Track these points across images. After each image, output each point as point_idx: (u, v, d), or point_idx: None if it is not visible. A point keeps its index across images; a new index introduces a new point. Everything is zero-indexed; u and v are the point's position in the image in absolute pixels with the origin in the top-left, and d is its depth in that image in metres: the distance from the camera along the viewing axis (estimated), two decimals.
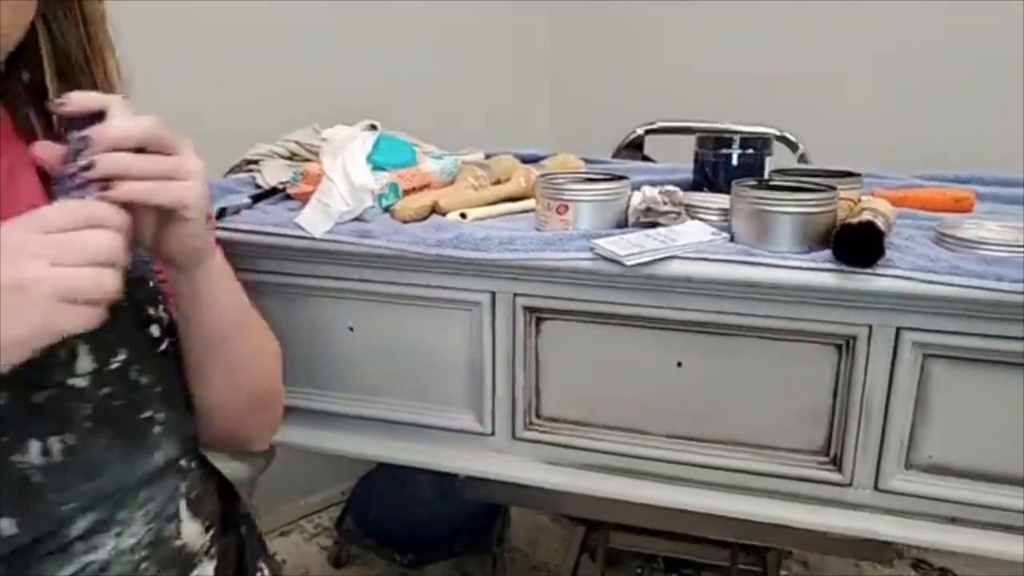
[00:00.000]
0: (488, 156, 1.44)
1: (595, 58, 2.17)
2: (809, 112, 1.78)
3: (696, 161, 1.12)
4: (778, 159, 1.55)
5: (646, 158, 1.68)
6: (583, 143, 1.80)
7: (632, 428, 0.97)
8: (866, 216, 0.83)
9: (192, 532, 0.70)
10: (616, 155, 1.69)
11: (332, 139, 1.05)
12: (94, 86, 0.68)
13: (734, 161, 1.08)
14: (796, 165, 1.55)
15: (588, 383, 0.97)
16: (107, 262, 0.52)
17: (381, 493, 1.82)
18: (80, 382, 0.62)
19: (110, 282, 0.52)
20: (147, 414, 0.67)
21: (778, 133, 1.59)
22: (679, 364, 0.93)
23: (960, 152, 1.63)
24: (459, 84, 2.03)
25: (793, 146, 1.59)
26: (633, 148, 1.70)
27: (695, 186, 1.13)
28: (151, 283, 0.72)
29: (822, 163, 1.56)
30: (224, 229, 1.01)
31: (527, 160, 1.45)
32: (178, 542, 0.69)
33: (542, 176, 0.97)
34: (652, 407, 0.95)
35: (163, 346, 0.71)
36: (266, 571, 0.83)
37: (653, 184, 1.08)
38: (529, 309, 0.95)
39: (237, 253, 0.97)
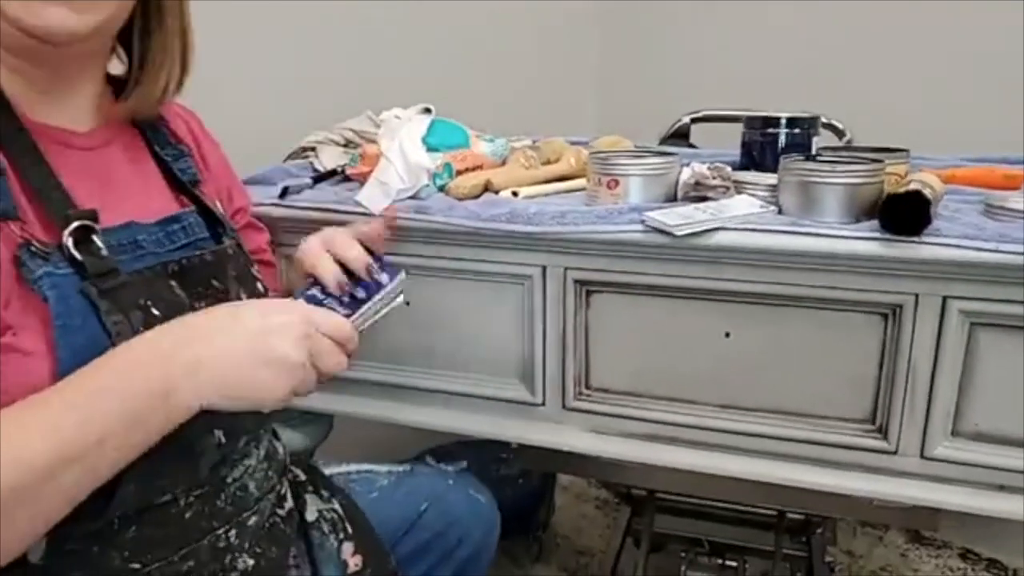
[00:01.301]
0: (536, 142, 1.48)
1: (641, 47, 2.19)
2: (856, 100, 1.78)
3: (743, 143, 1.14)
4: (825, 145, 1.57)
5: (692, 147, 1.69)
6: (628, 132, 1.83)
7: (681, 398, 0.99)
8: (914, 186, 0.85)
9: (280, 447, 0.92)
10: (661, 143, 1.72)
11: (388, 121, 1.10)
12: (167, 81, 0.79)
13: (781, 141, 1.10)
14: None
15: (637, 354, 0.99)
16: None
17: None
18: None
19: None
20: None
21: (825, 120, 1.60)
22: (727, 335, 0.95)
23: (1015, 139, 1.62)
24: (505, 74, 2.07)
25: (840, 133, 1.59)
26: (679, 137, 1.72)
27: (742, 167, 1.15)
28: (245, 249, 0.86)
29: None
30: (287, 207, 1.06)
31: (576, 144, 1.49)
32: (280, 455, 0.89)
33: (593, 153, 1.00)
34: (700, 377, 0.97)
35: None
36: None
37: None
38: (579, 282, 0.98)
39: (299, 230, 1.03)
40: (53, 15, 0.63)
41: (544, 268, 0.99)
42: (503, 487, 1.81)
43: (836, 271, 0.87)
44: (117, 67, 0.81)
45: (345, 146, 1.38)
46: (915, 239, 0.83)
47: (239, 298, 0.79)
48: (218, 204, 0.86)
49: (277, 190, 1.07)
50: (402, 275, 0.84)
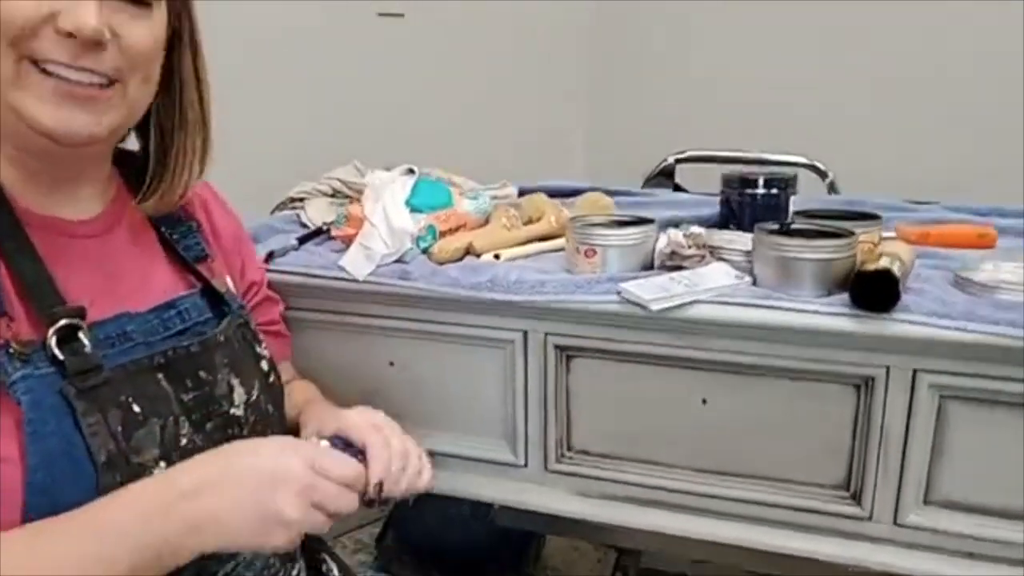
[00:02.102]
0: (522, 192, 1.49)
1: (630, 86, 2.21)
2: (842, 140, 1.80)
3: (722, 200, 1.16)
4: (807, 186, 1.59)
5: (677, 186, 1.72)
6: (618, 168, 1.85)
7: (660, 462, 1.01)
8: (883, 262, 0.87)
9: None
10: (647, 183, 1.74)
11: (373, 183, 1.11)
12: (188, 178, 0.79)
13: (758, 201, 1.12)
14: (825, 195, 1.57)
15: (617, 418, 1.01)
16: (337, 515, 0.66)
17: (421, 511, 1.87)
18: (238, 411, 0.77)
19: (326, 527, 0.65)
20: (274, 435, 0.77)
21: (807, 161, 1.63)
22: (704, 401, 0.97)
23: (988, 177, 1.65)
24: (497, 113, 2.09)
25: (822, 174, 1.62)
26: (664, 176, 1.75)
27: (722, 222, 1.17)
28: (252, 325, 0.84)
29: (852, 190, 1.59)
30: (273, 271, 1.07)
31: (560, 193, 1.50)
32: None
33: (572, 220, 1.02)
34: (679, 442, 0.99)
35: (272, 378, 0.84)
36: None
37: (679, 222, 1.13)
38: (560, 348, 1.00)
39: (287, 293, 1.04)
40: (76, 120, 0.65)
41: (525, 333, 1.01)
42: (496, 523, 1.83)
43: (809, 344, 0.89)
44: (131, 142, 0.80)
45: (332, 196, 1.40)
46: (885, 316, 0.85)
47: (228, 387, 0.77)
48: (228, 281, 0.85)
49: (262, 253, 1.09)
50: None
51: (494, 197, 1.40)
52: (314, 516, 0.64)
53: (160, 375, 0.72)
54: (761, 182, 1.12)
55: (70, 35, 0.62)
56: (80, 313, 0.67)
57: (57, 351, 0.64)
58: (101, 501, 0.61)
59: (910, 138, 1.84)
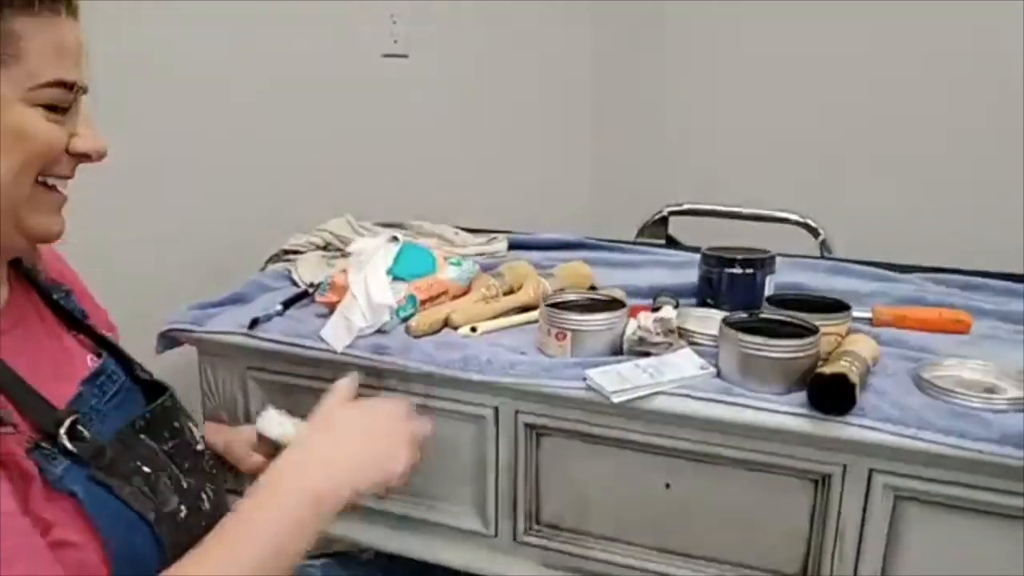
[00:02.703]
0: (513, 245, 1.52)
1: (632, 134, 2.21)
2: (839, 197, 1.81)
3: (700, 275, 1.18)
4: (798, 242, 1.60)
5: (670, 238, 1.73)
6: (619, 213, 1.86)
7: (624, 540, 1.03)
8: (842, 364, 0.88)
9: None
10: (641, 233, 1.75)
11: (357, 253, 1.14)
12: None
13: (735, 280, 1.13)
14: (816, 253, 1.58)
15: (584, 496, 1.03)
16: None
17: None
18: (200, 446, 0.86)
19: None
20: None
21: (800, 219, 1.64)
22: (667, 485, 0.99)
23: (983, 238, 1.65)
24: (499, 158, 2.11)
25: (815, 232, 1.62)
26: (659, 225, 1.76)
27: (699, 297, 1.19)
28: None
29: (843, 247, 1.60)
30: (256, 338, 1.10)
31: (550, 247, 1.53)
32: None
33: (544, 301, 1.04)
34: (643, 522, 1.01)
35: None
36: None
37: (659, 292, 1.16)
38: (529, 426, 1.02)
39: (269, 358, 1.08)
40: (62, 223, 0.72)
41: (496, 409, 1.03)
42: None
43: (768, 439, 0.91)
44: None
45: (325, 248, 1.43)
46: (840, 419, 0.86)
47: (190, 429, 0.85)
48: (104, 332, 0.88)
49: (247, 318, 1.12)
50: None
51: (481, 254, 1.43)
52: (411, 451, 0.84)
53: (143, 435, 0.78)
54: (738, 262, 1.13)
55: (84, 155, 0.70)
56: (72, 410, 0.71)
57: (70, 446, 0.68)
58: (253, 520, 0.72)
59: (906, 196, 1.84)
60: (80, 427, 0.70)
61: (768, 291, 1.15)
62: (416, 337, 1.07)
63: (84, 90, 0.70)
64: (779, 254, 1.43)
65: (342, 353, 1.06)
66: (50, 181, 0.70)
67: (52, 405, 0.70)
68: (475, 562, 1.09)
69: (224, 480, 0.90)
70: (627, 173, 2.18)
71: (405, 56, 1.90)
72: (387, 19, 1.87)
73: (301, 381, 1.12)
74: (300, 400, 1.11)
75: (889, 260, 1.41)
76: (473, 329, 1.10)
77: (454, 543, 1.11)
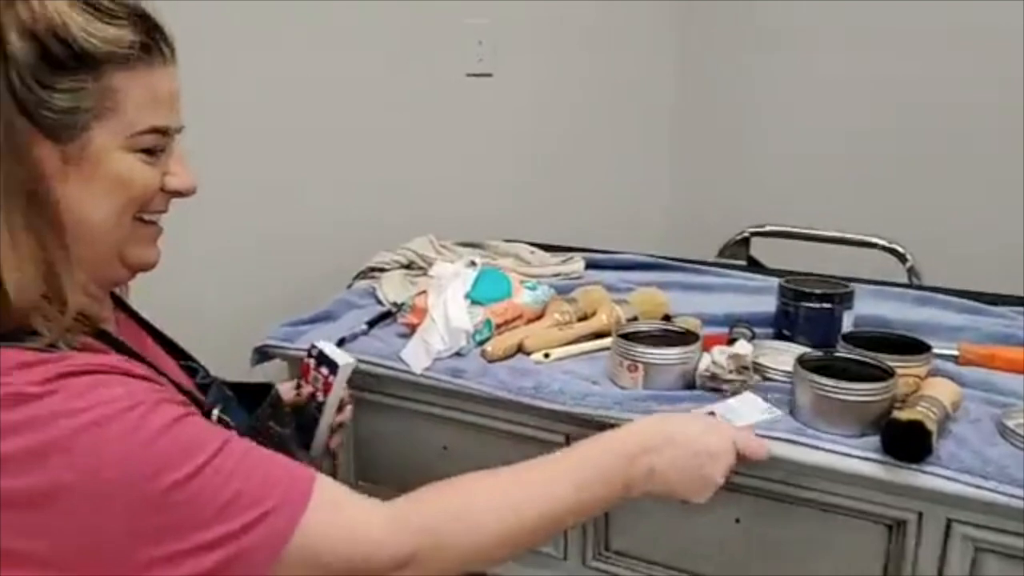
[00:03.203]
0: (590, 265, 1.54)
1: (714, 153, 2.18)
2: (925, 220, 1.75)
3: (777, 308, 1.17)
4: (885, 267, 1.56)
5: (751, 259, 1.71)
6: (697, 233, 1.86)
7: (692, 571, 1.03)
8: (919, 410, 0.86)
9: None
10: (722, 253, 1.74)
11: (438, 277, 1.18)
12: None
13: (812, 315, 1.12)
14: (903, 280, 1.54)
15: (653, 526, 1.04)
16: None
17: None
18: None
19: None
20: None
21: (886, 244, 1.60)
22: (737, 520, 0.99)
23: None
24: (579, 175, 2.11)
25: (902, 258, 1.58)
26: (740, 245, 1.74)
27: (776, 329, 1.18)
28: None
29: (933, 275, 1.55)
30: None
31: (626, 267, 1.54)
32: None
33: (617, 331, 1.06)
34: (711, 555, 1.02)
35: None
36: None
37: (735, 321, 1.15)
38: None
39: (355, 376, 1.12)
40: (158, 253, 0.77)
41: (567, 436, 1.05)
42: None
43: (840, 482, 0.90)
44: None
45: (407, 267, 1.48)
46: (915, 467, 0.85)
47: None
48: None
49: (335, 337, 1.17)
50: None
51: (557, 274, 1.45)
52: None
53: (271, 422, 0.85)
54: (815, 296, 1.12)
55: (177, 193, 0.74)
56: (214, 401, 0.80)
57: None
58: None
59: (1002, 221, 1.76)
60: (223, 415, 0.77)
61: (847, 325, 1.13)
62: (491, 361, 1.11)
63: (178, 131, 0.74)
64: (864, 280, 1.41)
65: (421, 375, 1.10)
66: (147, 216, 0.74)
67: (195, 394, 0.77)
68: None
69: None
70: (709, 191, 2.15)
71: (489, 75, 1.93)
72: (473, 39, 1.90)
73: (383, 399, 1.17)
74: (376, 419, 1.17)
75: (981, 289, 1.36)
76: (546, 355, 1.12)
77: (524, 563, 1.13)
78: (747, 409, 0.96)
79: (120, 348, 0.72)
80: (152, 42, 0.68)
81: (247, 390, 0.91)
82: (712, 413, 0.93)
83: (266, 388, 0.91)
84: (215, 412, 0.76)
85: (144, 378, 0.66)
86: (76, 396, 0.59)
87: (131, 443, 0.60)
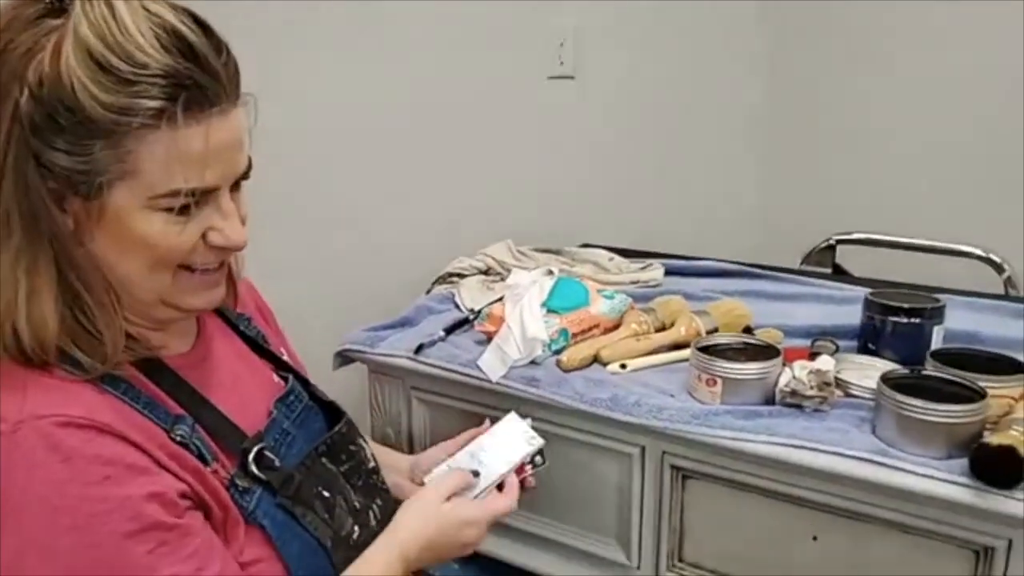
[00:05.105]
0: (669, 272, 1.53)
1: (803, 158, 2.13)
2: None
3: (863, 323, 1.14)
4: (981, 278, 1.50)
5: (837, 267, 1.67)
6: (785, 238, 1.81)
7: None
8: (1011, 434, 0.83)
9: None
10: (806, 260, 1.70)
11: (514, 285, 1.19)
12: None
13: (899, 330, 1.09)
14: (1000, 291, 1.48)
15: (729, 539, 1.03)
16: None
17: None
18: (372, 463, 0.94)
19: None
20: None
21: (982, 253, 1.54)
22: (815, 538, 0.97)
23: None
24: (664, 181, 2.09)
25: (999, 268, 1.52)
26: (825, 252, 1.70)
27: (861, 343, 1.15)
28: None
29: None
30: (420, 362, 1.19)
31: (707, 274, 1.52)
32: None
33: (696, 344, 1.05)
34: (787, 572, 1.00)
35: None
36: None
37: (818, 334, 1.13)
38: (675, 467, 1.04)
39: (432, 382, 1.16)
40: (213, 298, 0.76)
41: (643, 448, 1.05)
42: None
43: (924, 504, 0.88)
44: None
45: (486, 272, 1.50)
46: (1005, 493, 0.82)
47: (363, 448, 0.92)
48: (283, 351, 0.96)
49: (414, 343, 1.20)
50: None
51: (635, 282, 1.45)
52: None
53: (324, 459, 0.85)
54: (903, 311, 1.09)
55: (221, 248, 0.72)
56: (261, 437, 0.78)
57: (260, 473, 0.76)
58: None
59: None
60: (269, 454, 0.77)
61: (936, 340, 1.10)
62: (567, 371, 1.11)
63: (236, 180, 0.71)
64: (956, 291, 1.36)
65: (497, 383, 1.12)
66: (196, 267, 0.72)
67: (244, 434, 0.77)
68: None
69: (389, 493, 0.95)
70: (796, 196, 2.10)
71: (572, 78, 1.93)
72: (555, 41, 1.90)
73: (459, 404, 1.19)
74: (451, 422, 1.19)
75: None
76: (623, 366, 1.12)
77: (597, 569, 1.14)
78: (507, 448, 0.95)
79: (172, 388, 0.74)
80: (180, 103, 0.63)
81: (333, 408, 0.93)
82: (476, 473, 0.93)
83: (339, 413, 0.92)
84: (251, 455, 0.76)
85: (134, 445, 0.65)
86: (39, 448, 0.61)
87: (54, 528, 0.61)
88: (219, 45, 0.67)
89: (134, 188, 0.65)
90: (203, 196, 0.68)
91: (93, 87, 0.61)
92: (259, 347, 0.92)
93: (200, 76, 0.64)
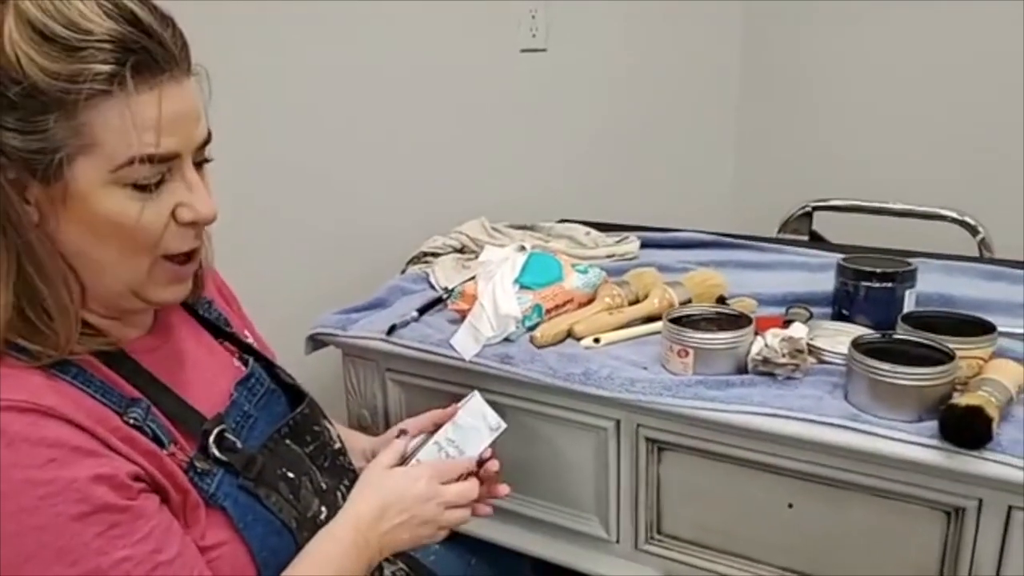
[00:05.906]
0: (645, 244, 1.52)
1: (779, 126, 2.12)
2: (996, 191, 1.67)
3: (836, 288, 1.14)
4: (956, 241, 1.50)
5: (814, 233, 1.67)
6: (762, 206, 1.81)
7: (745, 556, 1.02)
8: (980, 395, 0.83)
9: None
10: (783, 227, 1.70)
11: (487, 262, 1.18)
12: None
13: (872, 294, 1.09)
14: (974, 253, 1.48)
15: (705, 510, 1.04)
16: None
17: None
18: (338, 444, 0.94)
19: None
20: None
21: (957, 216, 1.54)
22: (790, 506, 0.97)
23: None
24: (641, 152, 2.08)
25: (973, 231, 1.52)
26: (802, 220, 1.70)
27: (835, 309, 1.15)
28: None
29: (1006, 249, 1.49)
30: (393, 343, 1.18)
31: (684, 245, 1.51)
32: None
33: (667, 319, 1.05)
34: (764, 540, 1.00)
35: None
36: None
37: (792, 301, 1.13)
38: (650, 440, 1.03)
39: (407, 363, 1.15)
40: (180, 292, 0.76)
41: (618, 422, 1.05)
42: None
43: (896, 468, 0.88)
44: None
45: (460, 251, 1.49)
46: (975, 454, 0.82)
47: (327, 429, 0.91)
48: (247, 335, 0.95)
49: (386, 324, 1.19)
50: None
51: (611, 255, 1.44)
52: (457, 514, 0.88)
53: (288, 441, 0.85)
54: (875, 275, 1.08)
55: (191, 223, 0.71)
56: (221, 419, 0.78)
57: (221, 455, 0.75)
58: (322, 547, 0.80)
59: None
60: (230, 436, 0.77)
61: (909, 304, 1.10)
62: (540, 347, 1.11)
63: (194, 151, 0.70)
64: (931, 254, 1.36)
65: (470, 361, 1.11)
66: (171, 253, 0.71)
67: (203, 417, 0.77)
68: (597, 567, 1.12)
69: (356, 474, 0.94)
70: (772, 164, 2.10)
71: (544, 50, 1.91)
72: (526, 13, 1.88)
73: (435, 384, 1.18)
74: (427, 403, 1.18)
75: None
76: (596, 340, 1.12)
77: (576, 546, 1.14)
78: (472, 439, 0.94)
79: (129, 373, 0.73)
80: (129, 67, 0.62)
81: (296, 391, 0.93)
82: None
83: (301, 396, 0.91)
84: (211, 437, 0.75)
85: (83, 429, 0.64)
86: None
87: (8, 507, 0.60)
88: (163, 17, 0.67)
89: (94, 162, 0.64)
90: (168, 170, 0.68)
91: (39, 58, 0.60)
92: (220, 330, 0.91)
93: (147, 41, 0.64)
